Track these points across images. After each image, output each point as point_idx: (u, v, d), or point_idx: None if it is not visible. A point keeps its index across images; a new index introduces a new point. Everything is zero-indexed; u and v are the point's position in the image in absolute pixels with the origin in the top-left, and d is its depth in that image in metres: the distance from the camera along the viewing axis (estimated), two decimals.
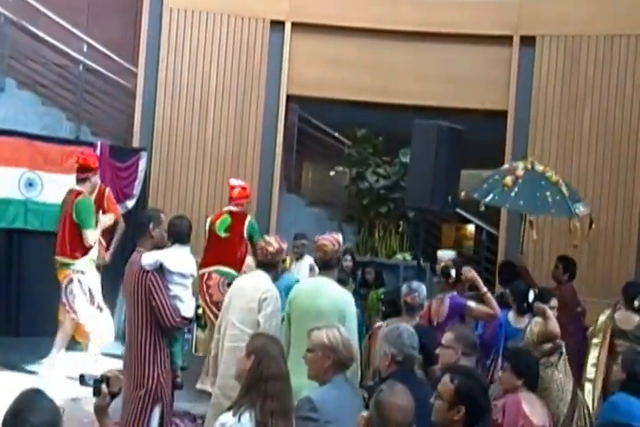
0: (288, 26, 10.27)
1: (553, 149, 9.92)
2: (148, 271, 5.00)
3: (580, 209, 7.52)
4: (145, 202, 9.50)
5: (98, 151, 9.21)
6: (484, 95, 10.15)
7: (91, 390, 3.10)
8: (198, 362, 8.86)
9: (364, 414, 3.31)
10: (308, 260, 8.81)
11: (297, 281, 7.95)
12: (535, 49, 10.06)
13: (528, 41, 10.08)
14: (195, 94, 10.11)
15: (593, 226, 7.77)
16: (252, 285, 5.28)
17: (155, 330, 4.94)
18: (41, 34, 10.07)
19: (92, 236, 7.43)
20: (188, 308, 5.13)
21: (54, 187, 8.83)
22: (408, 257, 10.26)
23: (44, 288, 7.75)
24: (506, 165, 8.11)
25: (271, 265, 5.37)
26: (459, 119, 8.71)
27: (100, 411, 3.17)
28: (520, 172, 7.51)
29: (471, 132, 8.34)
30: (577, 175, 9.73)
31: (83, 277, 7.36)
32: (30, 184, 8.77)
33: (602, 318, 6.78)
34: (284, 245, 5.37)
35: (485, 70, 10.15)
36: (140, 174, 9.51)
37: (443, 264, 6.31)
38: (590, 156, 9.79)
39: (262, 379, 3.46)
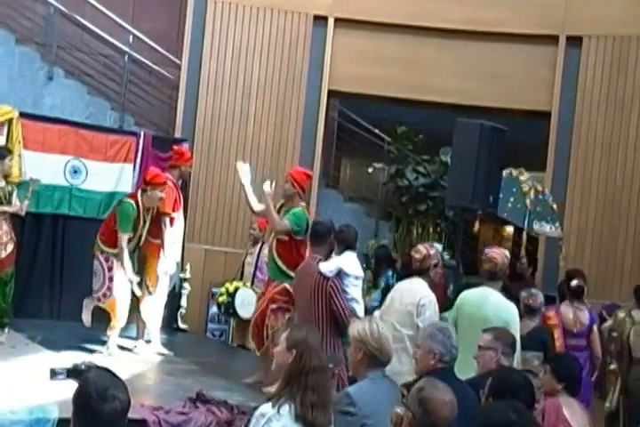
0: (331, 21, 10.28)
1: (597, 152, 9.83)
2: (328, 278, 5.42)
3: (544, 229, 8.27)
4: (185, 193, 9.56)
5: (141, 141, 9.35)
6: (527, 96, 10.08)
7: (59, 383, 3.09)
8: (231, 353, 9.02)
9: (399, 410, 3.29)
10: None
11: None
12: (581, 49, 9.96)
13: (574, 41, 9.99)
14: (237, 88, 10.18)
15: (562, 252, 8.62)
16: (410, 289, 5.54)
17: (334, 330, 5.35)
18: (88, 24, 10.23)
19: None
20: (361, 308, 5.60)
21: (98, 175, 9.02)
22: (446, 256, 10.24)
23: (88, 273, 7.86)
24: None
25: (422, 271, 5.56)
26: (501, 119, 8.66)
27: None
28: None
29: (514, 132, 8.30)
30: (622, 179, 9.65)
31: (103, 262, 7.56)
32: (75, 171, 8.98)
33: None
34: (432, 251, 5.58)
35: (529, 70, 10.08)
36: None
37: (575, 284, 7.01)
38: (637, 159, 9.67)
39: (304, 372, 3.46)
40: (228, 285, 8.51)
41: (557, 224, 8.38)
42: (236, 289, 8.31)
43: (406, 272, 6.11)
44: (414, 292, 5.47)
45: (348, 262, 5.72)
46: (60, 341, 7.51)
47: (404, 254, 9.87)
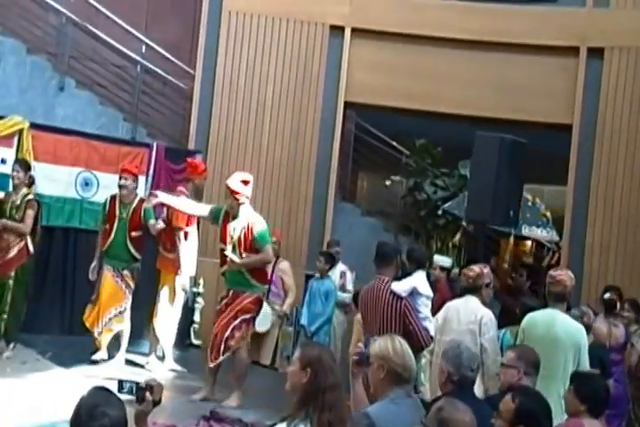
0: (347, 31, 10.34)
1: (620, 166, 9.81)
2: (401, 298, 5.67)
3: (535, 232, 8.81)
4: None
5: (153, 153, 9.42)
6: (548, 108, 10.09)
7: (125, 397, 3.14)
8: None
9: None
10: (340, 267, 8.98)
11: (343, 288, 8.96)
12: (603, 61, 9.98)
13: (596, 52, 10.01)
14: (251, 98, 10.24)
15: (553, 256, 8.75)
16: (467, 308, 5.72)
17: None
18: (100, 34, 10.31)
19: None
20: (433, 327, 5.83)
21: (109, 187, 9.03)
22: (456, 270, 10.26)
23: None
24: None
25: (475, 289, 5.74)
26: (521, 132, 8.69)
27: (142, 418, 3.19)
28: None
29: (534, 145, 8.33)
30: None
31: None
32: (86, 184, 9.03)
33: None
34: (486, 270, 5.77)
35: (550, 82, 10.09)
36: None
37: (607, 296, 7.19)
38: None
39: (320, 391, 3.46)
40: None
41: (549, 229, 8.78)
42: None
43: None
44: (472, 310, 5.62)
45: (421, 282, 6.03)
46: (71, 356, 7.55)
47: None
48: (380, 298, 5.78)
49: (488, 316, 5.59)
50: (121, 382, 3.13)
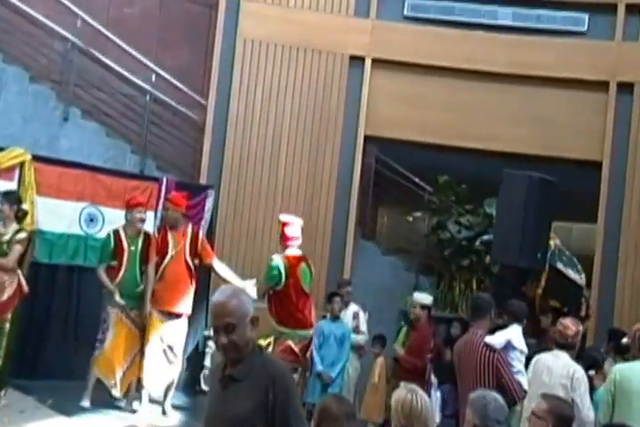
0: (368, 62, 10.43)
1: None
2: (495, 351, 5.98)
3: (568, 272, 9.00)
4: (211, 244, 9.63)
5: (163, 187, 9.42)
6: (576, 144, 10.14)
7: None
8: None
9: None
10: (352, 308, 8.95)
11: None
12: (634, 96, 10.07)
13: (626, 87, 10.11)
14: (267, 131, 10.27)
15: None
16: (559, 363, 6.03)
17: None
18: (108, 62, 10.32)
19: None
20: (526, 381, 6.09)
21: (115, 223, 9.00)
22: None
23: None
24: None
25: (571, 346, 6.12)
26: (549, 168, 8.74)
27: None
28: None
29: (562, 182, 8.38)
30: None
31: None
32: (91, 220, 8.99)
33: None
34: (580, 327, 6.15)
35: (579, 117, 10.15)
36: (207, 214, 9.65)
37: (626, 341, 7.11)
38: None
39: None
40: (262, 340, 8.54)
41: (583, 275, 9.10)
42: (269, 345, 8.35)
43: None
44: (565, 365, 5.94)
45: (515, 336, 6.34)
46: (72, 404, 7.45)
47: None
48: (473, 351, 6.03)
49: (580, 372, 5.90)
50: None
